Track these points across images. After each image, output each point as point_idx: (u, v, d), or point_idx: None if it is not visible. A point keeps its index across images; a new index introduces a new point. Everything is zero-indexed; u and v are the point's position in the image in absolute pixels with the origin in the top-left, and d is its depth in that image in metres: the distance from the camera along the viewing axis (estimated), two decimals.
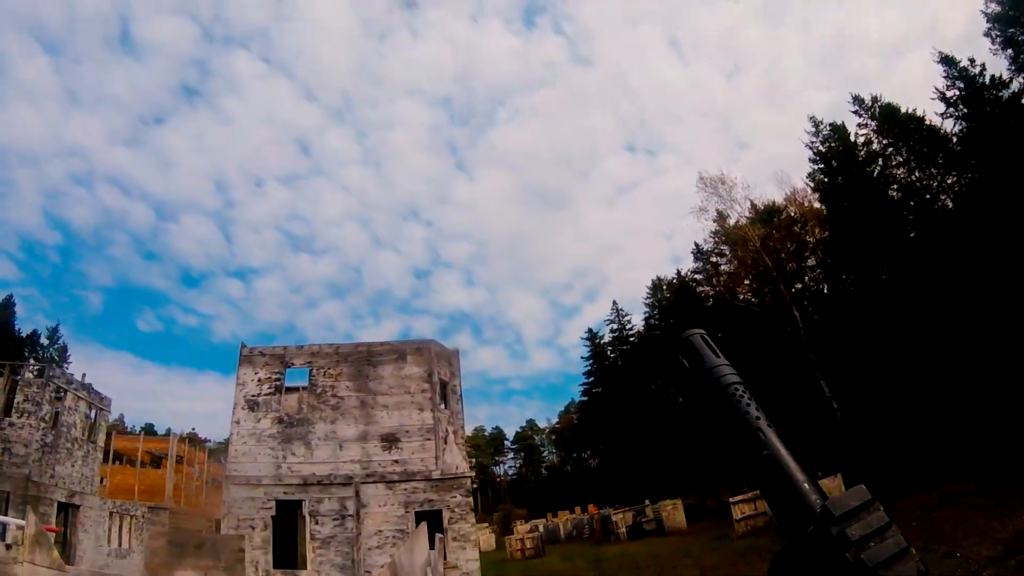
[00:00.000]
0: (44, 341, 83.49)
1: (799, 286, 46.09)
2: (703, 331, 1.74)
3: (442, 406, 22.57)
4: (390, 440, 21.56)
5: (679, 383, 62.77)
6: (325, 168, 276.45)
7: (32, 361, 38.40)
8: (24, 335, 77.03)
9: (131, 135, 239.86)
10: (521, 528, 57.41)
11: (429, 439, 21.53)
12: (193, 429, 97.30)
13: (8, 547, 7.07)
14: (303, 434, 21.89)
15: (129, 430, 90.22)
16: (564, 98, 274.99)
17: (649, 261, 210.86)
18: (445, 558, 19.85)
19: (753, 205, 46.66)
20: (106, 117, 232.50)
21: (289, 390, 23.02)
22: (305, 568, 20.12)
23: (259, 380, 22.89)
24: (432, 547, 11.34)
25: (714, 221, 48.57)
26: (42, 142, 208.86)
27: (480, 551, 53.27)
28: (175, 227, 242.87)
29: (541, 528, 55.08)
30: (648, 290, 75.25)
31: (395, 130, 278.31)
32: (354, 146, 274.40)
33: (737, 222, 46.92)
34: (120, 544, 30.88)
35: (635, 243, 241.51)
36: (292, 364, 23.12)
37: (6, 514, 19.20)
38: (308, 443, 21.73)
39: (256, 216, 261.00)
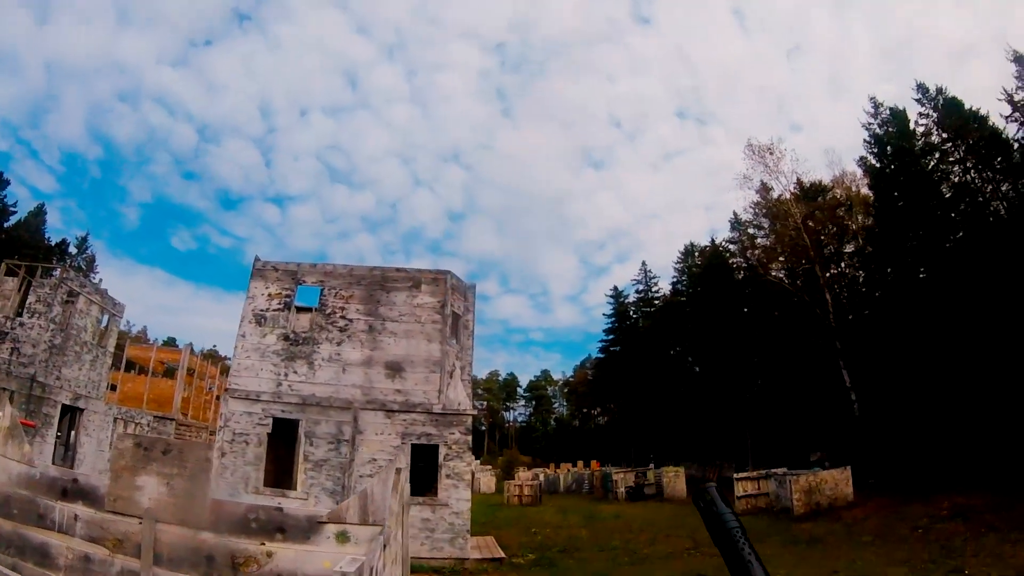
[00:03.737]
0: (73, 250, 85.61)
1: (835, 271, 44.60)
2: (715, 484, 2.29)
3: (452, 340, 21.80)
4: (395, 368, 20.92)
5: (698, 352, 62.09)
6: (371, 103, 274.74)
7: (51, 264, 38.19)
8: (53, 243, 78.90)
9: (179, 56, 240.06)
10: (522, 475, 57.52)
11: (434, 372, 20.84)
12: (215, 346, 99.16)
13: None
14: (307, 353, 21.34)
15: (152, 341, 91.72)
16: (620, 57, 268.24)
17: (685, 231, 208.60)
18: (436, 493, 19.38)
19: (799, 181, 45.06)
20: (156, 37, 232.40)
21: (299, 309, 22.44)
22: (295, 489, 19.76)
23: (269, 295, 22.33)
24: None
25: (757, 192, 47.09)
26: (91, 58, 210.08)
27: (480, 493, 53.84)
28: (217, 149, 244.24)
29: (542, 478, 54.97)
30: (680, 255, 73.68)
31: (446, 72, 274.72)
32: (403, 84, 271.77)
33: (780, 196, 45.38)
34: None
35: (673, 212, 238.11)
36: (304, 281, 22.46)
37: None
38: (312, 363, 21.20)
39: (298, 144, 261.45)
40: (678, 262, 73.72)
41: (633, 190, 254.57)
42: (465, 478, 19.89)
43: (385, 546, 5.26)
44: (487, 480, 62.05)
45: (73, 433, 28.47)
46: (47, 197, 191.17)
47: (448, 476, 19.58)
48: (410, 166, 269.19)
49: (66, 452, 27.81)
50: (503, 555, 19.45)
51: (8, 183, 77.20)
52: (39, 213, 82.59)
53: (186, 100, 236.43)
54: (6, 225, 73.64)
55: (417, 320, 21.31)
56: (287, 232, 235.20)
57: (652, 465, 51.39)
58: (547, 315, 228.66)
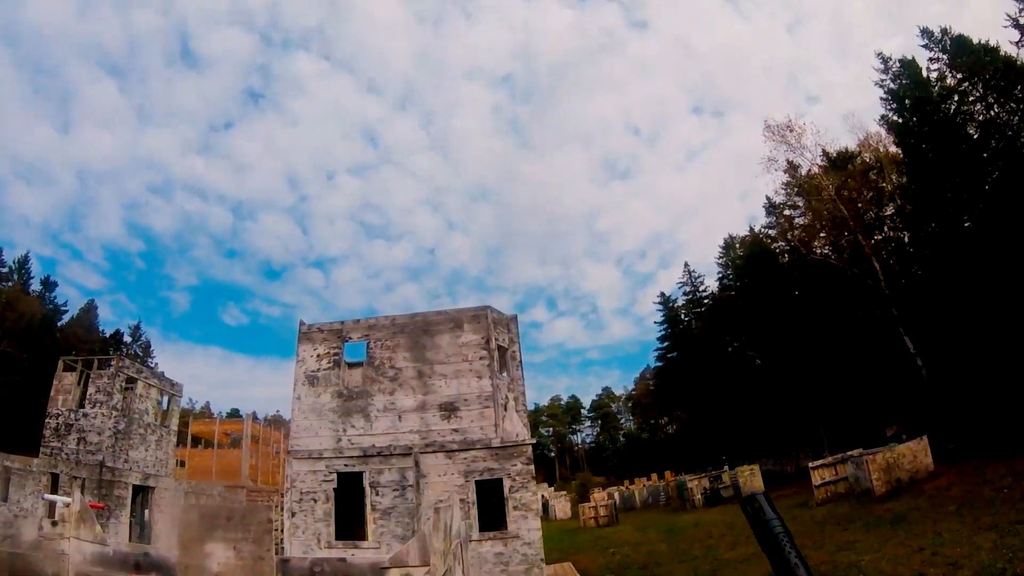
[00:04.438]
0: (127, 339, 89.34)
1: (878, 237, 43.48)
2: (765, 492, 3.40)
3: (502, 373, 22.02)
4: (449, 409, 21.18)
5: (756, 344, 61.04)
6: (394, 157, 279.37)
7: (107, 356, 39.84)
8: (108, 335, 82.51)
9: (203, 143, 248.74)
10: (596, 496, 56.92)
11: (488, 407, 21.01)
12: (277, 411, 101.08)
13: (54, 523, 7.23)
14: (362, 406, 21.77)
15: (215, 415, 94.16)
16: (626, 66, 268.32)
17: (724, 223, 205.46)
18: (506, 527, 19.37)
19: (825, 153, 44.31)
20: (177, 129, 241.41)
21: (349, 365, 22.98)
22: (366, 539, 20.03)
23: (318, 356, 22.92)
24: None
25: (785, 172, 46.36)
26: (118, 159, 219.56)
27: (556, 519, 53.53)
28: (253, 225, 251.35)
29: (616, 496, 54.41)
30: (720, 249, 72.84)
31: (459, 114, 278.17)
32: (420, 133, 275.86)
33: (809, 171, 44.66)
34: None
35: (709, 207, 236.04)
36: (350, 338, 22.99)
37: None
38: (367, 415, 21.60)
39: (330, 208, 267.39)
40: (720, 257, 72.90)
41: (664, 193, 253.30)
42: (533, 507, 19.87)
43: None
44: (562, 506, 61.64)
45: (147, 511, 29.58)
46: (96, 293, 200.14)
47: (516, 508, 19.58)
48: (441, 211, 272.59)
49: (142, 530, 28.86)
50: None
51: (56, 284, 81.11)
52: (89, 309, 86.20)
53: (216, 183, 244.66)
54: (59, 324, 77.30)
55: (464, 359, 21.57)
56: (333, 294, 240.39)
57: (726, 467, 50.51)
58: (600, 332, 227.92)
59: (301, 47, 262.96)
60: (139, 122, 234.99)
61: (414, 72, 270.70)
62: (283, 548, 20.45)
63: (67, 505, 7.71)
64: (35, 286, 78.74)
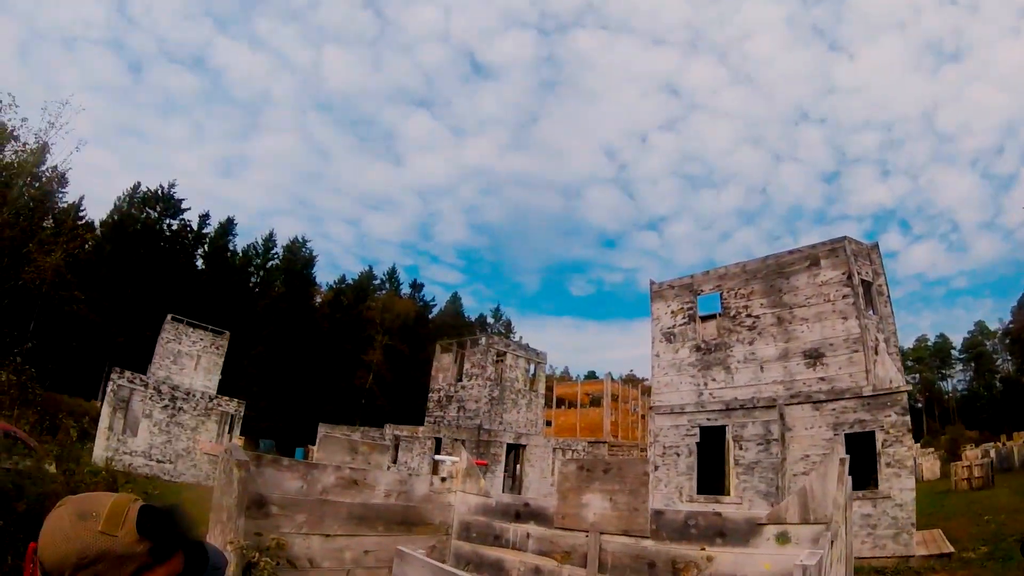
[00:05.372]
0: (490, 320, 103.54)
1: None
2: None
3: (869, 312, 20.07)
4: (813, 356, 19.93)
5: None
6: (699, 102, 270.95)
7: (476, 336, 45.48)
8: (473, 320, 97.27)
9: (517, 141, 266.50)
10: (969, 454, 49.72)
11: (857, 351, 19.26)
12: (631, 371, 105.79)
13: (444, 480, 8.36)
14: (722, 359, 21.56)
15: (574, 379, 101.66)
16: None
17: None
18: (876, 485, 17.67)
19: None
20: (490, 135, 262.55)
21: (703, 318, 22.87)
22: (728, 494, 19.82)
23: (672, 312, 23.22)
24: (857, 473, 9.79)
25: None
26: (448, 173, 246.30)
27: (923, 480, 47.86)
28: (582, 202, 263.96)
29: (992, 453, 46.95)
30: None
31: (752, 38, 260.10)
32: (719, 70, 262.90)
33: None
34: None
35: None
36: (702, 291, 22.89)
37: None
38: (727, 367, 21.33)
39: (651, 169, 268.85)
40: None
41: (1006, 68, 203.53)
42: (907, 464, 17.80)
43: (832, 543, 4.99)
44: (929, 464, 55.15)
45: (518, 466, 33.41)
46: (457, 287, 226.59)
47: (888, 464, 17.63)
48: (762, 145, 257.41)
49: (513, 483, 32.77)
50: (951, 549, 16.79)
51: (423, 286, 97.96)
52: (454, 301, 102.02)
53: (540, 173, 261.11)
54: (430, 317, 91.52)
55: (826, 299, 20.14)
56: (670, 251, 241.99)
57: None
58: (965, 255, 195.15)
59: (577, 26, 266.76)
60: (456, 138, 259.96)
61: (692, 11, 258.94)
62: None
63: (454, 463, 8.61)
64: (405, 289, 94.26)
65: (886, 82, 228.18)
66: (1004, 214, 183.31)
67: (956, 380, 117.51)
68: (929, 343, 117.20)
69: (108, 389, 31.64)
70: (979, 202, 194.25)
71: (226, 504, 5.88)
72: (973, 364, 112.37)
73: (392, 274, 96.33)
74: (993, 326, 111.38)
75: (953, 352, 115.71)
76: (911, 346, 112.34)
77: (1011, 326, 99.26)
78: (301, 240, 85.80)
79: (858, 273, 20.03)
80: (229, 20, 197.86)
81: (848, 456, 5.79)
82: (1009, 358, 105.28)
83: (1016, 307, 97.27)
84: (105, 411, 30.80)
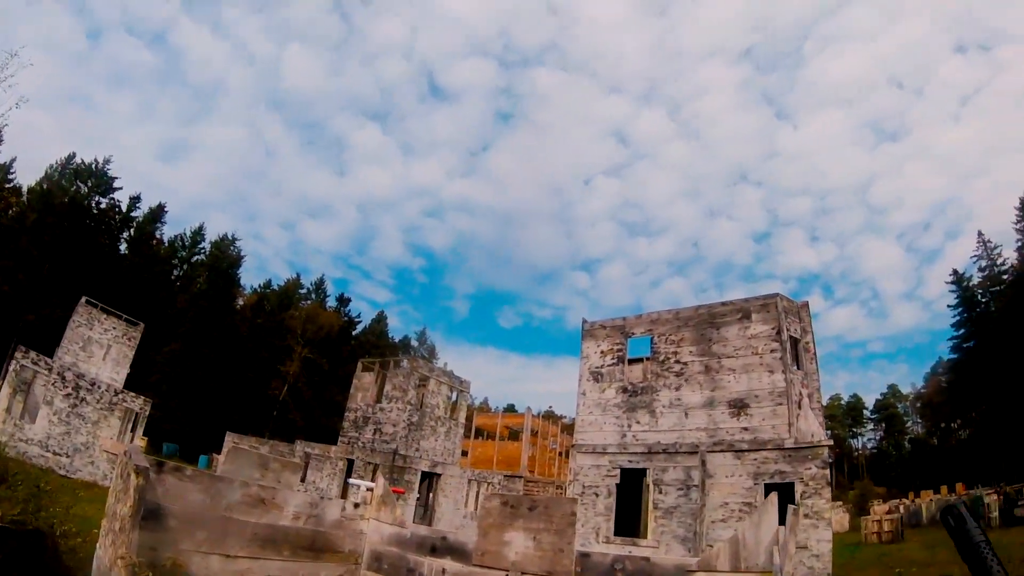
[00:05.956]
0: (415, 343, 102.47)
1: None
2: (964, 501, 2.47)
3: (794, 367, 20.49)
4: (738, 406, 20.20)
5: None
6: (645, 152, 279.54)
7: (399, 357, 44.56)
8: (397, 340, 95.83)
9: (466, 166, 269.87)
10: (878, 509, 51.56)
11: (781, 404, 19.66)
12: (550, 407, 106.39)
13: (356, 506, 7.98)
14: (647, 402, 21.61)
15: (493, 410, 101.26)
16: (872, 11, 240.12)
17: (1016, 180, 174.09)
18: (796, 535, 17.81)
19: None
20: (440, 157, 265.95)
21: (632, 360, 22.99)
22: (645, 537, 19.75)
23: (602, 352, 23.23)
24: (783, 523, 9.75)
25: None
26: (393, 189, 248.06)
27: (834, 532, 49.11)
28: (522, 235, 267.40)
29: (901, 510, 48.82)
30: (1017, 212, 62.16)
31: (704, 97, 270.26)
32: (668, 124, 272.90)
33: None
34: (476, 508, 34.19)
35: (994, 162, 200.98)
36: (633, 334, 22.98)
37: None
38: (652, 411, 21.39)
39: (591, 211, 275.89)
40: (1017, 221, 62.29)
41: (941, 151, 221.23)
42: (825, 516, 18.12)
43: None
44: (839, 517, 56.76)
45: (431, 495, 32.59)
46: (384, 306, 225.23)
47: (807, 516, 17.87)
48: (700, 200, 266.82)
49: (425, 512, 31.88)
50: None
51: (349, 300, 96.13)
52: (380, 319, 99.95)
53: (482, 200, 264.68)
54: (354, 333, 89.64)
55: (754, 352, 20.47)
56: (600, 293, 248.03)
57: None
58: (883, 321, 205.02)
59: (538, 63, 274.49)
60: (405, 155, 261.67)
61: (651, 64, 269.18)
62: None
63: (369, 489, 8.31)
64: (331, 302, 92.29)
65: (826, 153, 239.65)
66: (924, 286, 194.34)
67: (866, 438, 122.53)
68: (843, 401, 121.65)
69: (11, 368, 29.35)
70: (902, 273, 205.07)
71: (120, 513, 5.35)
72: (884, 424, 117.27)
73: (320, 284, 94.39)
74: (905, 390, 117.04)
75: (865, 411, 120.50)
76: (826, 403, 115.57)
77: (923, 391, 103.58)
78: (231, 238, 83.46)
79: (787, 329, 20.46)
80: (196, 0, 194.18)
81: (796, 505, 5.59)
82: (919, 421, 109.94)
83: (930, 373, 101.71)
84: (4, 391, 28.61)
